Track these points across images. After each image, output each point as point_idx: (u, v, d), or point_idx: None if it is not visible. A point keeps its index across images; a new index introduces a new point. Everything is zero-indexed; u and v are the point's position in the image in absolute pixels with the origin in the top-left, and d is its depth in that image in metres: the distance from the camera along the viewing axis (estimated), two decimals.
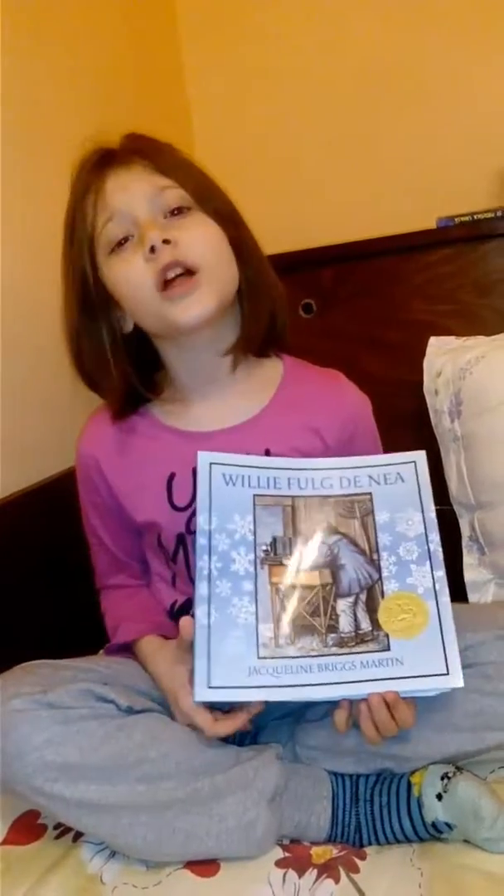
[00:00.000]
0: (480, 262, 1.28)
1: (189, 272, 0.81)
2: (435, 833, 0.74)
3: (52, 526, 1.08)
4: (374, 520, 0.77)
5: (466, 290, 1.29)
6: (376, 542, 0.76)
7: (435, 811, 0.74)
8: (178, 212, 0.83)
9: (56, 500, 1.08)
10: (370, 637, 0.72)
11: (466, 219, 1.28)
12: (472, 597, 1.19)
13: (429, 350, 1.28)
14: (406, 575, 0.74)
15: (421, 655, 0.71)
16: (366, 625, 0.73)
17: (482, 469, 1.17)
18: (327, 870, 0.72)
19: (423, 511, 0.77)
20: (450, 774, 0.75)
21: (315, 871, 0.72)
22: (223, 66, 1.57)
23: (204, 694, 0.70)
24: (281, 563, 0.75)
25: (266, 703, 0.74)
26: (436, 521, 0.77)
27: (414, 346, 1.29)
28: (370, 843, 0.76)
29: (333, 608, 0.74)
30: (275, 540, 0.76)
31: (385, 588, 0.74)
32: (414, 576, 0.74)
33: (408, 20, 1.42)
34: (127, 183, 0.83)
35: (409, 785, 0.77)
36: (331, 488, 0.79)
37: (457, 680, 0.70)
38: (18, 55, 1.11)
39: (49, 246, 1.15)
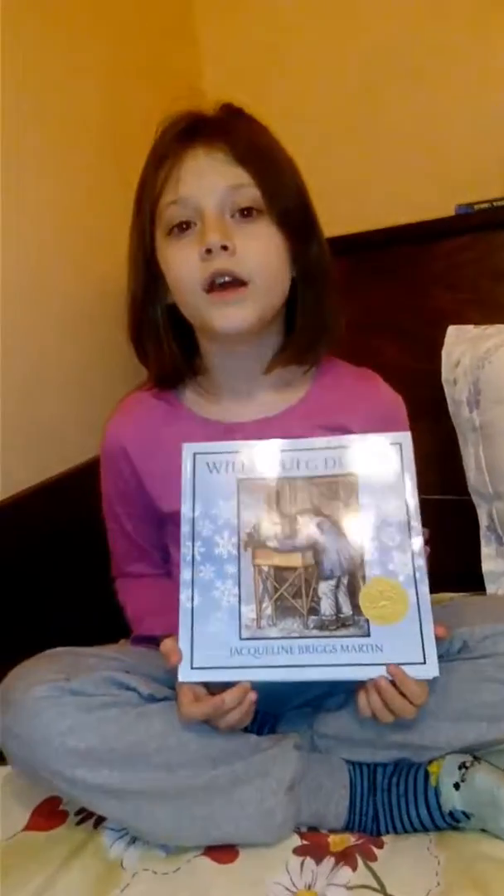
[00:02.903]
0: (500, 249, 1.26)
1: (238, 281, 0.81)
2: (452, 822, 0.74)
3: (73, 516, 1.09)
4: (357, 502, 0.76)
5: (485, 278, 1.28)
6: (359, 526, 0.76)
7: (452, 800, 0.74)
8: (246, 212, 0.82)
9: (75, 491, 1.09)
10: (351, 622, 0.72)
11: (485, 206, 1.27)
12: (490, 587, 1.19)
13: (447, 339, 1.27)
14: (388, 561, 0.74)
15: (399, 643, 0.71)
16: (347, 609, 0.73)
17: (500, 459, 1.16)
18: (345, 857, 0.73)
19: (406, 497, 0.76)
20: (467, 764, 0.75)
21: (332, 858, 0.73)
22: (233, 52, 1.56)
23: (187, 675, 0.72)
24: (265, 546, 0.75)
25: (273, 689, 0.74)
26: (419, 508, 0.75)
27: (432, 335, 1.28)
28: (387, 832, 0.77)
29: (315, 591, 0.74)
30: (258, 522, 0.76)
31: (367, 573, 0.74)
32: (395, 563, 0.74)
33: (424, 2, 1.40)
34: (202, 170, 0.81)
35: (427, 774, 0.77)
36: (315, 469, 0.78)
37: (432, 670, 0.70)
38: (25, 38, 1.10)
39: (65, 228, 1.16)
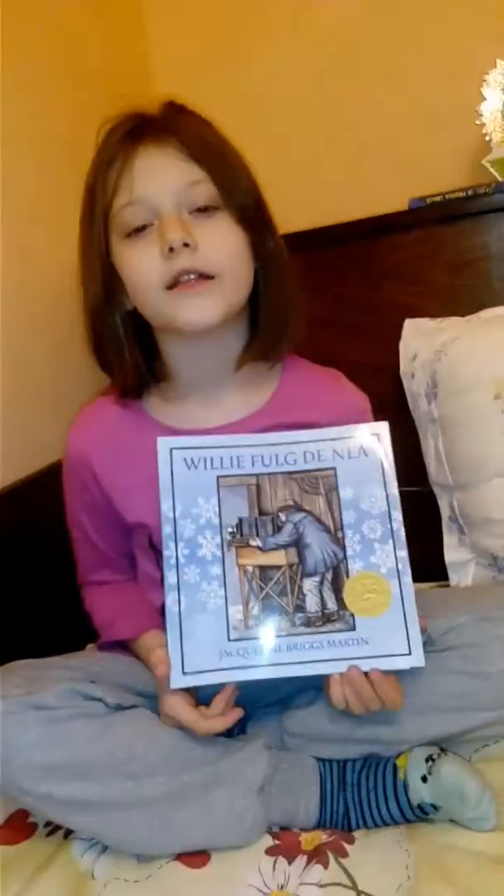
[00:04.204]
0: (453, 242, 1.27)
1: (205, 276, 0.79)
2: (421, 815, 0.75)
3: (33, 523, 1.07)
4: (338, 496, 0.77)
5: (440, 270, 1.29)
6: (341, 520, 0.76)
7: (420, 793, 0.75)
8: (204, 208, 0.80)
9: (39, 495, 1.08)
10: (336, 617, 0.73)
11: (438, 199, 1.28)
12: (453, 577, 1.20)
13: (404, 333, 1.28)
14: (370, 554, 0.75)
15: (384, 635, 0.72)
16: (332, 604, 0.74)
17: (459, 450, 1.17)
18: (316, 855, 0.73)
19: (385, 487, 0.76)
20: (434, 756, 0.76)
21: (305, 857, 0.73)
22: (188, 43, 1.55)
23: (179, 681, 0.71)
24: (248, 545, 0.75)
25: (244, 689, 0.75)
26: (399, 499, 0.76)
27: (390, 330, 1.29)
28: (359, 827, 0.77)
29: (300, 588, 0.74)
30: (241, 521, 0.76)
31: (350, 567, 0.75)
32: (377, 555, 0.75)
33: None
34: (156, 169, 0.79)
35: (395, 768, 0.78)
36: (294, 464, 0.78)
37: (418, 660, 0.72)
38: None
39: (50, 229, 1.14)
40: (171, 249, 0.77)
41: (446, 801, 0.73)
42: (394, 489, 0.77)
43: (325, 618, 0.73)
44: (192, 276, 0.79)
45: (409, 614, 0.73)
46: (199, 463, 0.77)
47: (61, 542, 0.98)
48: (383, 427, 0.79)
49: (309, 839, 0.76)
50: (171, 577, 0.74)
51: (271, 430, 0.84)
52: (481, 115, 1.26)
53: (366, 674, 0.72)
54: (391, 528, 0.75)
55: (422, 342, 1.23)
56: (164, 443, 0.78)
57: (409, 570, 0.74)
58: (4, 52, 1.12)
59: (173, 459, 0.77)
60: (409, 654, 0.72)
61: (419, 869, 0.70)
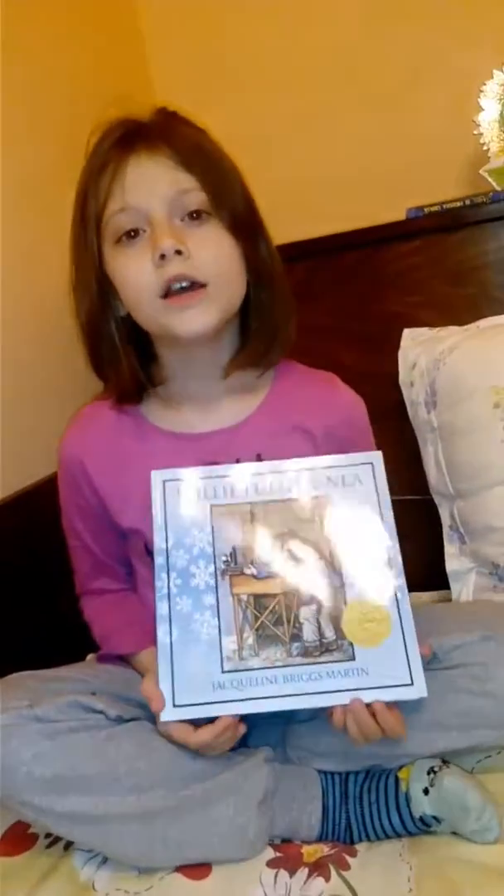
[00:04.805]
0: (451, 251, 1.28)
1: (197, 284, 0.79)
2: (423, 827, 0.75)
3: (33, 533, 1.07)
4: (333, 523, 0.76)
5: (438, 280, 1.29)
6: (336, 547, 0.76)
7: (422, 806, 0.74)
8: (195, 215, 0.80)
9: (39, 505, 1.07)
10: (334, 646, 0.72)
11: (436, 208, 1.28)
12: (455, 586, 1.20)
13: (403, 342, 1.28)
14: (367, 581, 0.74)
15: (385, 665, 0.71)
16: (329, 633, 0.72)
17: (459, 458, 1.17)
18: (318, 868, 0.73)
19: (381, 515, 0.76)
20: (436, 769, 0.76)
21: (306, 870, 0.73)
22: (188, 55, 1.55)
23: (170, 714, 0.70)
24: (242, 573, 0.74)
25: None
26: (394, 526, 0.76)
27: (389, 339, 1.29)
28: (361, 840, 0.77)
29: (296, 616, 0.73)
30: (234, 550, 0.75)
31: (347, 595, 0.73)
32: (375, 582, 0.74)
33: (375, 7, 1.41)
34: (147, 176, 0.79)
35: (397, 781, 0.78)
36: (289, 492, 0.77)
37: (420, 690, 0.70)
38: None
39: (37, 239, 1.14)
40: (163, 257, 0.78)
41: (448, 814, 0.73)
42: (389, 517, 0.76)
43: (324, 647, 0.72)
44: (183, 284, 0.79)
45: (409, 643, 0.71)
46: (192, 493, 0.76)
47: (59, 553, 0.98)
48: (377, 456, 0.79)
49: (311, 852, 0.76)
50: (162, 609, 0.73)
51: (267, 433, 0.85)
52: (479, 125, 1.27)
53: (368, 705, 0.70)
54: (387, 555, 0.75)
55: (421, 351, 1.23)
56: (157, 475, 0.77)
57: (407, 598, 0.73)
58: (3, 59, 1.13)
59: (166, 491, 0.76)
60: (412, 684, 0.70)
61: (421, 881, 0.70)
